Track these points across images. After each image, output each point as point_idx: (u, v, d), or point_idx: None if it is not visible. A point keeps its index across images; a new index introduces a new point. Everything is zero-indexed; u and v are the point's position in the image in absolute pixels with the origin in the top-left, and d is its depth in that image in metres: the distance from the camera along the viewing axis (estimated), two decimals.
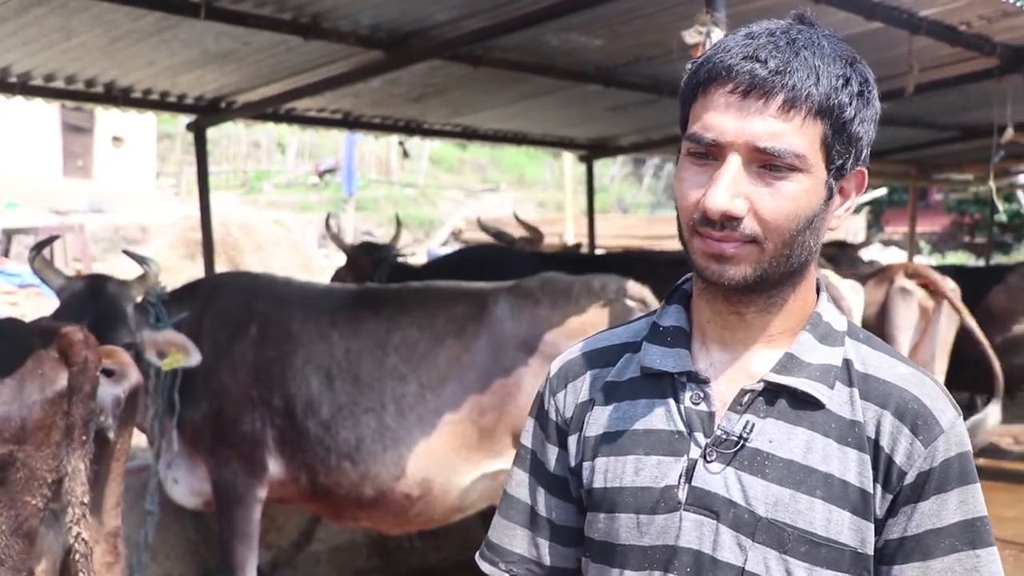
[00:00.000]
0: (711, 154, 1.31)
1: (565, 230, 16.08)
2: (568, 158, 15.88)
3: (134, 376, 3.03)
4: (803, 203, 1.30)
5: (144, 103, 6.36)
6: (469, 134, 8.39)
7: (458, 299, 4.29)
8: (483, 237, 9.06)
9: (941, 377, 5.94)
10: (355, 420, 4.08)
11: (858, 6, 4.51)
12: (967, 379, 7.22)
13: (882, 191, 18.90)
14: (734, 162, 1.28)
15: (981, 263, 15.98)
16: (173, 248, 11.52)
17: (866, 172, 1.40)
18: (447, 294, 4.38)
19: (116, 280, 4.13)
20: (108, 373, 2.93)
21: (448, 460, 4.09)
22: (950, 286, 6.24)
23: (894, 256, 16.34)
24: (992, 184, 6.88)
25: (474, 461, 4.11)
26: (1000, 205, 10.11)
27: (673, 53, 3.83)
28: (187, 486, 4.35)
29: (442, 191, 26.96)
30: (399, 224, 7.50)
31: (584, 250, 9.45)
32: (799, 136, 1.28)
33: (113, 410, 2.91)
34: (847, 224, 17.90)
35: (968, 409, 9.78)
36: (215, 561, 5.11)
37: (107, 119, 20.57)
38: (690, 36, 3.59)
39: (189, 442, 4.25)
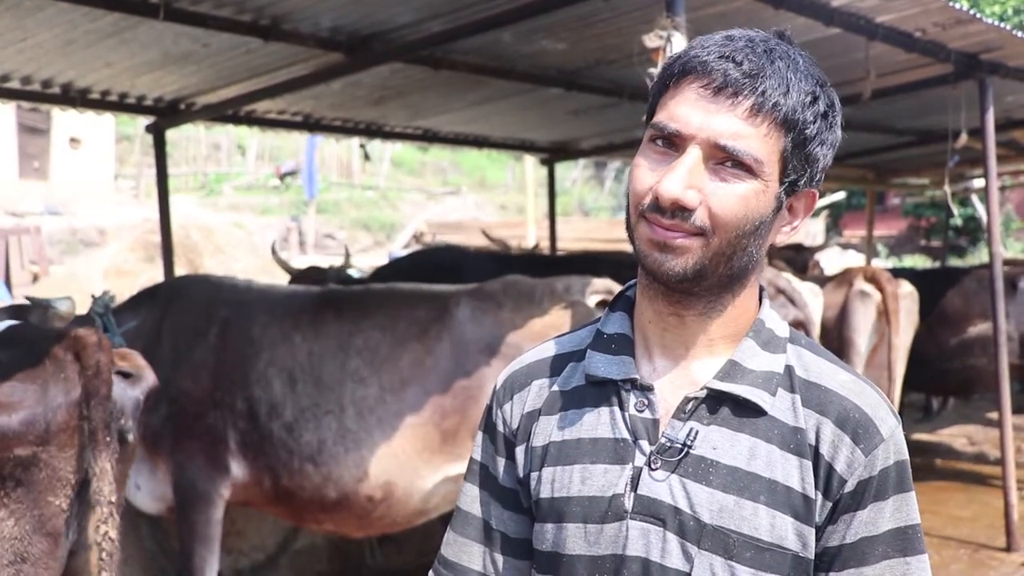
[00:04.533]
0: (672, 144, 1.31)
1: (527, 233, 16.10)
2: (530, 161, 15.91)
3: (150, 378, 3.07)
4: (753, 206, 1.31)
5: (102, 104, 6.30)
6: (430, 137, 8.39)
7: (420, 301, 4.27)
8: (444, 240, 9.10)
9: (900, 379, 6.02)
10: (317, 422, 4.06)
11: (817, 12, 4.57)
12: (923, 381, 7.34)
13: (840, 195, 19.10)
14: (693, 154, 1.29)
15: (937, 266, 16.21)
16: (132, 251, 11.41)
17: (816, 195, 1.41)
18: (409, 296, 4.36)
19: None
20: (125, 375, 2.97)
21: (410, 463, 4.08)
22: (906, 290, 6.32)
23: (852, 259, 16.52)
24: (948, 188, 6.97)
25: (436, 464, 4.10)
26: (955, 209, 10.25)
27: (634, 57, 3.85)
28: (148, 491, 4.30)
29: (403, 194, 26.88)
30: (348, 253, 7.50)
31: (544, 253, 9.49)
32: (760, 142, 1.29)
33: (133, 413, 2.98)
34: (805, 227, 18.08)
35: (923, 410, 9.92)
36: (172, 569, 5.06)
37: (64, 120, 20.32)
38: (650, 40, 3.62)
39: (149, 447, 4.21)
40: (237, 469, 4.15)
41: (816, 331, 5.09)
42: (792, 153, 1.32)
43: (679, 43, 3.58)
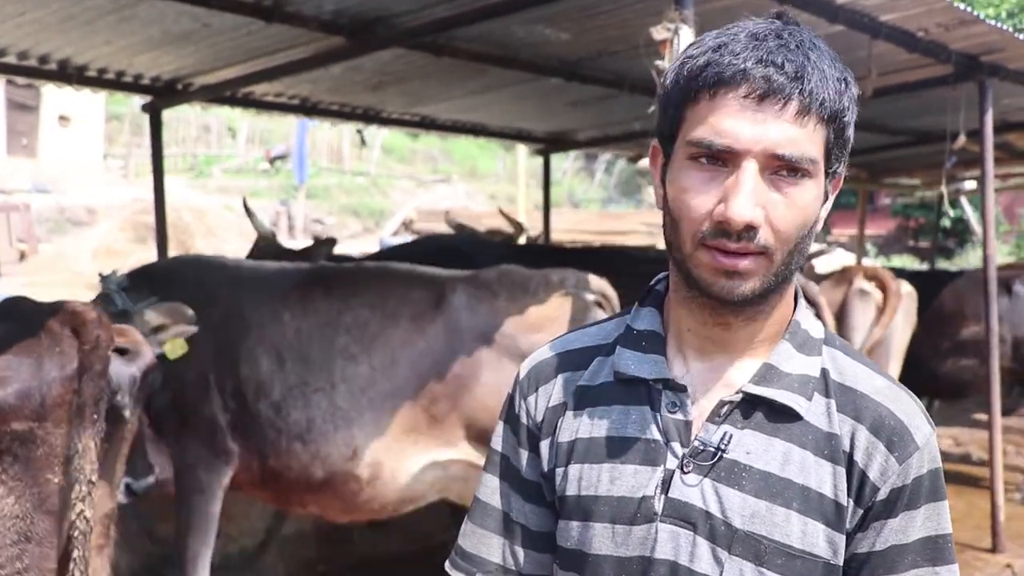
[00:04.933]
0: (721, 160, 1.25)
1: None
2: (521, 151, 15.88)
3: (148, 355, 3.08)
4: (811, 210, 1.29)
5: (99, 82, 6.25)
6: (427, 124, 8.35)
7: (414, 283, 4.25)
8: (433, 227, 9.00)
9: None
10: (306, 400, 4.04)
11: (822, 9, 4.56)
12: (918, 381, 7.36)
13: None
14: (751, 169, 1.23)
15: (925, 267, 16.25)
16: (122, 231, 11.38)
17: (843, 174, 1.39)
18: (403, 276, 4.34)
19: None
20: (122, 352, 2.96)
21: (398, 443, 4.05)
22: (906, 290, 6.33)
23: (842, 258, 16.56)
24: (944, 189, 7.00)
25: (423, 446, 4.07)
26: (949, 210, 10.29)
27: (640, 49, 3.83)
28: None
29: (393, 181, 26.81)
30: (319, 239, 7.39)
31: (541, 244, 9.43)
32: (811, 141, 1.25)
33: (129, 389, 2.97)
34: None
35: None
36: (157, 552, 5.05)
37: (53, 97, 20.18)
38: (658, 32, 3.60)
39: (154, 430, 4.17)
40: (235, 453, 4.12)
41: (831, 331, 5.07)
42: (835, 143, 1.29)
43: (686, 36, 3.57)
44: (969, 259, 19.81)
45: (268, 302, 4.20)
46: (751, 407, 1.35)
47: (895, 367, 5.99)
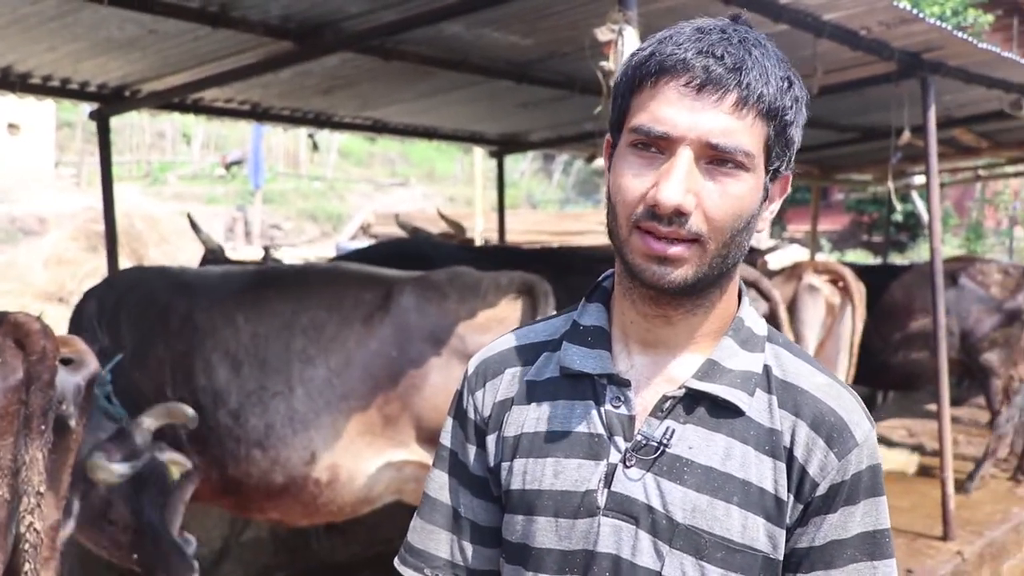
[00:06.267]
0: (658, 147, 1.28)
1: (475, 225, 16.08)
2: (478, 153, 15.88)
3: (92, 364, 3.04)
4: (746, 203, 1.30)
5: (44, 90, 6.17)
6: (379, 128, 8.33)
7: (364, 283, 4.24)
8: (391, 231, 8.98)
9: (847, 372, 6.10)
10: (264, 406, 4.02)
11: (766, 8, 4.60)
12: (870, 375, 7.46)
13: None
14: (685, 156, 1.26)
15: (879, 261, 16.45)
16: (74, 240, 11.23)
17: (790, 177, 1.41)
18: (354, 277, 4.33)
19: None
20: (66, 362, 2.94)
21: (354, 445, 4.06)
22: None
23: (796, 254, 16.71)
24: (891, 184, 7.10)
25: (378, 447, 4.08)
26: (897, 205, 10.42)
27: (586, 50, 3.86)
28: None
29: (351, 185, 26.66)
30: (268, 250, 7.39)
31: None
32: (749, 135, 1.27)
33: (74, 398, 2.93)
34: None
35: (869, 403, 10.07)
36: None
37: (2, 105, 19.83)
38: (602, 33, 3.62)
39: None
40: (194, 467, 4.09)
41: (786, 327, 5.12)
42: (775, 140, 1.31)
43: (631, 37, 3.59)
44: (921, 253, 20.05)
45: (220, 307, 4.18)
46: (694, 402, 1.37)
47: (846, 360, 6.05)
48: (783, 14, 4.70)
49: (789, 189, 1.41)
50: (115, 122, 6.78)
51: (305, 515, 4.28)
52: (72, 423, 2.94)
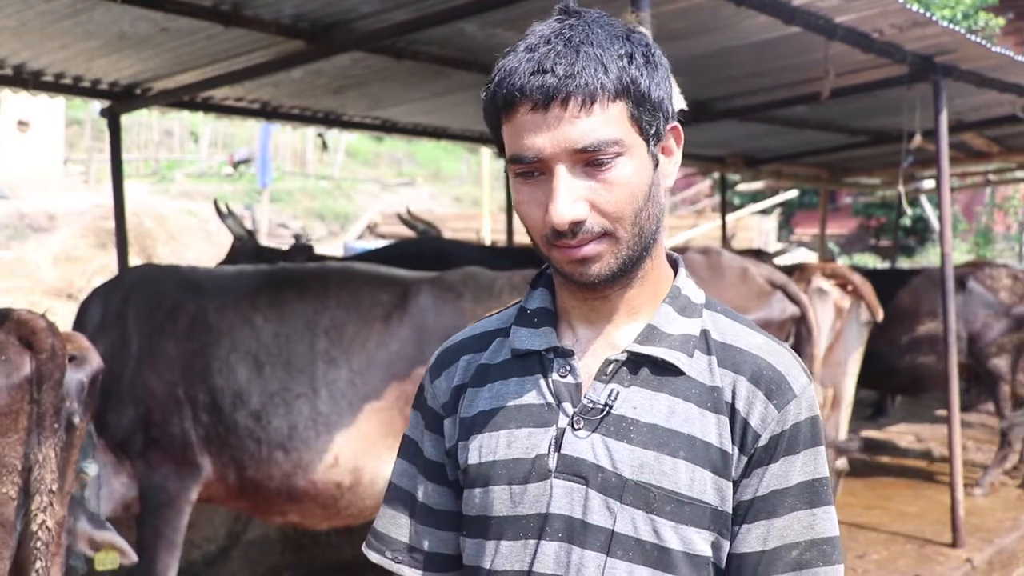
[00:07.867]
0: (537, 170, 1.35)
1: (482, 226, 16.09)
2: (486, 153, 15.89)
3: (96, 360, 3.03)
4: (636, 182, 1.35)
5: (56, 87, 6.19)
6: (388, 127, 8.35)
7: (381, 284, 4.24)
8: (398, 231, 8.99)
9: (855, 376, 6.08)
10: (288, 407, 4.00)
11: (778, 10, 4.60)
12: (877, 378, 7.44)
13: (793, 193, 19.28)
14: (561, 172, 1.32)
15: (887, 265, 16.42)
16: (83, 237, 11.25)
17: (679, 126, 1.45)
18: (370, 278, 4.32)
19: None
20: (70, 358, 2.93)
21: (376, 447, 4.04)
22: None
23: (804, 257, 16.70)
24: (901, 188, 7.08)
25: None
26: (907, 209, 10.41)
27: None
28: (106, 494, 4.20)
29: (358, 184, 26.68)
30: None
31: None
32: (608, 125, 1.32)
33: (78, 395, 2.93)
34: (759, 227, 18.21)
35: (874, 407, 10.06)
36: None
37: (12, 102, 19.90)
38: None
39: (114, 447, 4.09)
40: (205, 467, 4.07)
41: (816, 330, 5.04)
42: (639, 111, 1.35)
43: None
44: (930, 257, 20.01)
45: (236, 306, 4.16)
46: (636, 365, 1.43)
47: (854, 364, 6.03)
48: (795, 16, 4.70)
49: (682, 134, 1.46)
50: (124, 120, 6.79)
51: (325, 518, 4.25)
52: (76, 420, 2.93)
